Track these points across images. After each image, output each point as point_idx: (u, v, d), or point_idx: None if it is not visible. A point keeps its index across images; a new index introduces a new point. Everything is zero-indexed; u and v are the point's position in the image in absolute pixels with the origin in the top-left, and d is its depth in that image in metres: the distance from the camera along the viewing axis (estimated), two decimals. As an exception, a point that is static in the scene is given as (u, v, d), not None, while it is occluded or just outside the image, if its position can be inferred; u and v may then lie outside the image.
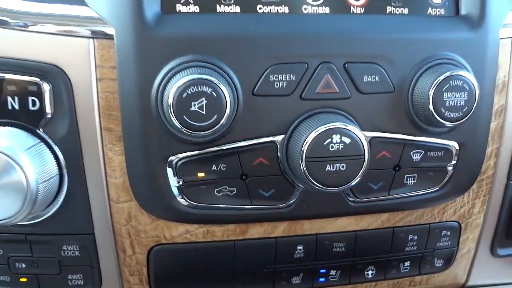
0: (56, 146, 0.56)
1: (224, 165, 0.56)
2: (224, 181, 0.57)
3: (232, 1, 0.56)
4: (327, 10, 0.58)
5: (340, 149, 0.53)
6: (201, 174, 0.56)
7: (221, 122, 0.51)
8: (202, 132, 0.51)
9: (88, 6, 0.54)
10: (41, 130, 0.55)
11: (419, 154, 0.61)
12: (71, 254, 0.60)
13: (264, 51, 0.54)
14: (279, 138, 0.56)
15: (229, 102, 0.51)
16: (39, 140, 0.55)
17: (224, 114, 0.51)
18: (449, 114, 0.56)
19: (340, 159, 0.53)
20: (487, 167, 0.67)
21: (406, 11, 0.60)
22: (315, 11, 0.58)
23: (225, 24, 0.54)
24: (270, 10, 0.57)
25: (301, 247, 0.64)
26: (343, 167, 0.54)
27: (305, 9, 0.58)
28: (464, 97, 0.56)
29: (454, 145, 0.62)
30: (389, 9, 0.60)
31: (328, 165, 0.53)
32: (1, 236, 0.59)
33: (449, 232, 0.69)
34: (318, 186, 0.54)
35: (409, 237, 0.68)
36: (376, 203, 0.62)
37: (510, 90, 0.64)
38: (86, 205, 0.58)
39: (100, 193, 0.58)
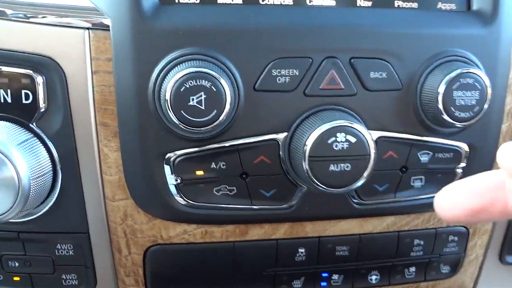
0: (50, 141, 0.54)
1: (224, 163, 0.54)
2: (224, 179, 0.55)
3: (234, -8, 0.54)
4: (332, 2, 0.56)
5: (345, 148, 0.51)
6: (199, 172, 0.54)
7: (221, 118, 0.49)
8: (201, 128, 0.49)
9: (84, -5, 0.52)
10: (34, 124, 0.54)
11: (427, 155, 0.59)
12: (65, 253, 0.59)
13: (266, 44, 0.52)
14: (281, 135, 0.54)
15: (229, 97, 0.49)
16: (32, 135, 0.53)
17: (224, 110, 0.49)
18: (459, 114, 0.54)
19: (344, 158, 0.51)
20: (498, 170, 0.64)
21: (415, 5, 0.58)
22: (320, 4, 0.56)
23: (226, 16, 0.52)
24: (274, 1, 0.55)
25: (302, 250, 0.62)
26: (347, 167, 0.51)
27: (310, 1, 0.56)
28: (475, 96, 0.54)
29: (463, 146, 0.59)
30: (398, 2, 0.58)
31: (332, 165, 0.51)
32: (-7, 234, 0.58)
33: (456, 238, 0.67)
34: (321, 187, 0.51)
35: (415, 242, 0.65)
36: (382, 206, 0.60)
37: (523, 90, 0.61)
38: (81, 203, 0.56)
39: (95, 191, 0.56)
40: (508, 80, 0.59)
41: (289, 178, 0.56)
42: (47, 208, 0.56)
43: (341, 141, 0.51)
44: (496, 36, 0.57)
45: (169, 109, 0.48)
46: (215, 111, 0.49)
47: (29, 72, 0.52)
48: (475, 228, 0.68)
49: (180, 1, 0.53)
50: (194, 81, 0.48)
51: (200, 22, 0.51)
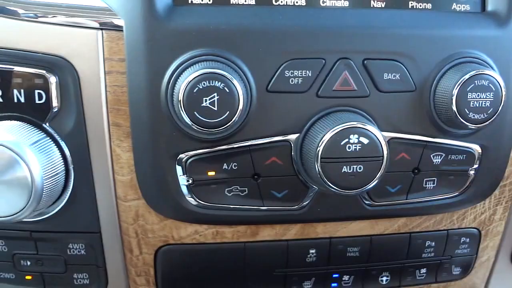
0: (63, 141, 0.54)
1: (236, 164, 0.54)
2: (235, 180, 0.55)
3: (247, -7, 0.54)
4: (346, 3, 0.56)
5: (357, 149, 0.50)
6: (211, 173, 0.54)
7: (234, 119, 0.49)
8: (214, 129, 0.49)
9: (97, -4, 0.52)
10: (47, 124, 0.54)
11: (439, 156, 0.58)
12: (77, 253, 0.59)
13: (279, 45, 0.51)
14: (293, 137, 0.54)
15: (242, 98, 0.49)
16: (45, 135, 0.53)
17: (237, 111, 0.49)
18: (473, 116, 0.54)
19: (357, 160, 0.51)
20: (511, 172, 0.64)
21: (429, 6, 0.57)
22: (333, 4, 0.55)
23: (239, 16, 0.52)
24: (287, 2, 0.54)
25: (313, 251, 0.62)
26: (360, 168, 0.51)
27: (323, 2, 0.55)
28: (489, 97, 0.53)
29: (476, 148, 0.59)
30: (412, 3, 0.57)
31: (344, 167, 0.51)
32: (6, 233, 0.58)
33: (468, 239, 0.66)
34: (334, 188, 0.51)
35: (427, 243, 0.65)
36: (393, 207, 0.59)
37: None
38: (93, 202, 0.56)
39: (107, 191, 0.56)
40: (523, 81, 0.59)
41: (300, 179, 0.55)
42: (59, 207, 0.56)
43: (354, 143, 0.50)
44: (511, 37, 0.56)
45: (182, 110, 0.48)
46: (227, 112, 0.48)
47: (42, 72, 0.52)
48: (487, 230, 0.67)
49: (194, 2, 0.53)
50: (207, 82, 0.48)
51: (213, 22, 0.51)
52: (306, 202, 0.57)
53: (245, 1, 0.54)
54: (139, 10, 0.50)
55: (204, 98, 0.48)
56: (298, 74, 0.52)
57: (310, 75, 0.52)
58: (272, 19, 0.52)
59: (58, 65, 0.52)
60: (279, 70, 0.52)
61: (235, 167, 0.54)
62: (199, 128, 0.49)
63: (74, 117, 0.53)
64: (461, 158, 0.59)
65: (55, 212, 0.56)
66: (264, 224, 0.59)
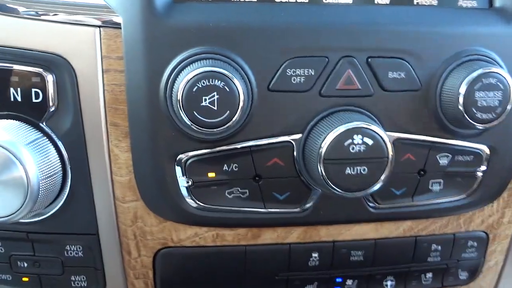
0: (60, 141, 0.53)
1: (236, 165, 0.53)
2: (236, 182, 0.53)
3: (248, -11, 0.52)
4: (349, 0, 0.54)
5: (361, 150, 0.49)
6: (211, 174, 0.53)
7: (234, 119, 0.48)
8: (213, 129, 0.48)
9: (95, -8, 0.51)
10: (44, 123, 0.53)
11: (446, 158, 0.57)
12: (74, 255, 0.58)
13: (281, 43, 0.50)
14: (295, 137, 0.52)
15: (243, 98, 0.47)
16: (41, 134, 0.53)
17: (237, 111, 0.47)
18: (481, 115, 0.52)
19: (361, 161, 0.49)
20: (520, 173, 0.62)
21: (435, 2, 0.56)
22: (336, 1, 0.54)
23: (239, 13, 0.51)
24: (289, -1, 0.53)
25: (316, 255, 0.60)
26: (364, 170, 0.49)
27: (326, -2, 0.54)
28: (497, 96, 0.52)
29: (484, 149, 0.57)
30: (417, 0, 0.56)
31: (348, 168, 0.49)
32: (2, 234, 0.57)
33: (475, 243, 0.65)
34: (337, 190, 0.50)
35: (433, 247, 0.63)
36: (398, 210, 0.58)
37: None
38: (90, 204, 0.55)
39: (105, 192, 0.55)
40: (533, 80, 0.57)
41: (303, 181, 0.54)
42: (56, 208, 0.55)
43: (358, 143, 0.49)
44: (520, 35, 0.55)
45: (180, 109, 0.47)
46: (228, 112, 0.47)
47: (40, 70, 0.51)
48: (495, 233, 0.65)
49: (193, -2, 0.52)
50: (206, 80, 0.46)
51: (214, 20, 0.50)
52: (309, 205, 0.55)
53: (246, -2, 0.53)
54: (138, 7, 0.49)
55: (204, 98, 0.47)
56: (300, 72, 0.51)
57: (312, 73, 0.51)
58: (274, 16, 0.51)
59: (55, 63, 0.51)
60: (281, 69, 0.50)
61: (235, 168, 0.53)
62: (198, 128, 0.48)
63: (71, 116, 0.52)
64: (469, 159, 0.57)
65: (52, 213, 0.55)
66: (265, 227, 0.58)
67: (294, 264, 0.60)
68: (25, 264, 0.58)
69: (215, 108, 0.47)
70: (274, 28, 0.50)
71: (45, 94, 0.52)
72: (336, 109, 0.52)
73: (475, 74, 0.51)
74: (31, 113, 0.52)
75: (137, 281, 0.60)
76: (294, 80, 0.51)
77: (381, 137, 0.49)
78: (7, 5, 0.51)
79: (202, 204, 0.54)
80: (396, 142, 0.54)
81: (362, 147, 0.49)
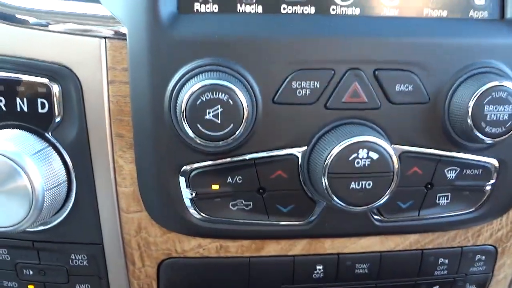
0: (65, 151, 0.53)
1: (240, 178, 0.52)
2: (240, 194, 0.53)
3: (254, 0, 0.52)
4: (357, 11, 0.54)
5: (366, 165, 0.48)
6: (215, 187, 0.53)
7: (238, 132, 0.47)
8: (217, 142, 0.47)
9: (100, 3, 0.51)
10: (49, 134, 0.53)
11: (454, 171, 0.56)
12: (79, 264, 0.58)
13: (286, 55, 0.50)
14: (300, 150, 0.52)
15: (247, 111, 0.47)
16: (47, 144, 0.53)
17: (241, 124, 0.47)
18: (490, 129, 0.51)
19: (366, 176, 0.49)
20: (530, 187, 0.61)
21: (445, 13, 0.55)
22: (344, 12, 0.53)
23: (245, 25, 0.50)
24: (295, 10, 0.53)
25: (320, 267, 0.59)
26: (369, 184, 0.49)
27: (333, 9, 0.53)
28: (508, 110, 0.51)
29: (493, 162, 0.56)
30: (426, 11, 0.55)
31: (353, 182, 0.49)
32: (9, 242, 0.57)
33: (484, 257, 0.64)
34: (341, 205, 0.49)
35: (440, 261, 0.62)
36: (405, 224, 0.57)
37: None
38: (95, 214, 0.55)
39: (110, 202, 0.55)
40: (544, 93, 0.56)
41: (307, 194, 0.54)
42: (61, 218, 0.55)
43: (363, 158, 0.48)
44: (532, 47, 0.53)
45: (184, 122, 0.47)
46: (231, 125, 0.47)
47: (45, 81, 0.52)
48: (504, 247, 0.64)
49: (199, 10, 0.51)
50: (210, 93, 0.46)
51: (219, 31, 0.49)
52: (313, 218, 0.55)
53: (252, 9, 0.52)
54: (143, 18, 0.49)
55: (208, 111, 0.46)
56: (306, 85, 0.50)
57: (318, 86, 0.50)
58: (279, 28, 0.50)
59: (61, 74, 0.51)
60: (286, 81, 0.50)
61: (239, 180, 0.52)
62: (202, 141, 0.47)
63: (76, 126, 0.53)
64: (477, 173, 0.56)
65: (57, 223, 0.56)
66: (269, 239, 0.57)
67: (298, 276, 0.60)
68: (31, 272, 0.59)
69: (219, 122, 0.47)
70: (279, 40, 0.50)
71: (51, 104, 0.52)
72: (342, 122, 0.52)
73: (485, 87, 0.50)
74: (37, 123, 0.52)
75: (141, 290, 0.60)
76: (299, 92, 0.50)
77: (387, 151, 0.49)
78: (14, 15, 0.52)
79: (206, 216, 0.54)
80: (403, 155, 0.53)
81: (367, 162, 0.48)
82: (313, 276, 0.60)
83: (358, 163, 0.48)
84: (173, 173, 0.52)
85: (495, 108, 0.51)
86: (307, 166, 0.52)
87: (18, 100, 0.52)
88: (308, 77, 0.50)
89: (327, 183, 0.49)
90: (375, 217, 0.56)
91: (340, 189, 0.49)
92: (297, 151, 0.52)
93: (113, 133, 0.53)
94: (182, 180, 0.52)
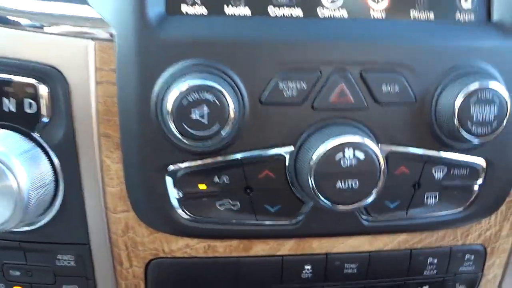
0: (52, 151, 0.53)
1: (228, 177, 0.52)
2: (227, 194, 0.53)
3: (242, 3, 0.52)
4: (345, 13, 0.54)
5: (353, 165, 0.48)
6: (202, 186, 0.53)
7: (223, 133, 0.47)
8: (203, 142, 0.48)
9: (89, 5, 0.51)
10: (37, 134, 0.53)
11: (441, 171, 0.56)
12: (66, 264, 0.58)
13: (273, 56, 0.50)
14: (287, 150, 0.52)
15: (233, 111, 0.47)
16: (34, 144, 0.53)
17: (227, 124, 0.47)
18: (477, 129, 0.51)
19: (352, 175, 0.49)
20: (518, 187, 0.61)
21: (431, 15, 0.55)
22: (331, 15, 0.54)
23: (232, 27, 0.50)
24: (283, 13, 0.53)
25: (309, 267, 0.60)
26: (355, 184, 0.49)
27: (322, 14, 0.53)
28: (494, 111, 0.51)
29: (481, 162, 0.57)
30: (413, 13, 0.55)
31: (339, 182, 0.49)
32: (-5, 242, 0.57)
33: (473, 256, 0.64)
34: (328, 204, 0.49)
35: (429, 260, 0.62)
36: (393, 223, 0.57)
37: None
38: (82, 214, 0.55)
39: (97, 202, 0.55)
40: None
41: (295, 193, 0.54)
42: (48, 218, 0.55)
43: (349, 158, 0.48)
44: (517, 48, 0.54)
45: (170, 122, 0.47)
46: (218, 125, 0.47)
47: (33, 81, 0.52)
48: (493, 247, 0.64)
49: (187, 12, 0.52)
50: (197, 94, 0.46)
51: (206, 33, 0.49)
52: (301, 217, 0.55)
53: (240, 11, 0.52)
54: (131, 19, 0.49)
55: (194, 111, 0.46)
56: (292, 86, 0.50)
57: (305, 87, 0.51)
58: (267, 30, 0.51)
59: (49, 74, 0.51)
60: (272, 82, 0.50)
61: (227, 180, 0.53)
62: (188, 141, 0.48)
63: (64, 127, 0.52)
64: (465, 172, 0.57)
65: (44, 223, 0.55)
66: (257, 239, 0.57)
67: (287, 276, 0.60)
68: (18, 273, 0.58)
69: (205, 122, 0.47)
70: (266, 42, 0.50)
71: (38, 105, 0.52)
72: (329, 122, 0.52)
73: (471, 87, 0.50)
74: (24, 123, 0.52)
75: (129, 291, 0.60)
76: (286, 93, 0.50)
77: (373, 151, 0.49)
78: (5, 17, 0.51)
79: (193, 216, 0.54)
80: (390, 155, 0.54)
81: (354, 161, 0.48)
82: (302, 276, 0.60)
83: (344, 162, 0.48)
84: (160, 173, 0.52)
85: (482, 109, 0.51)
86: (294, 166, 0.52)
87: (5, 100, 0.52)
88: (295, 78, 0.50)
89: (313, 183, 0.49)
90: (363, 216, 0.56)
91: (326, 188, 0.49)
92: (284, 151, 0.52)
93: (100, 133, 0.53)
94: (169, 180, 0.52)
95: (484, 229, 0.63)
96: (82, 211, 0.55)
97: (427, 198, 0.57)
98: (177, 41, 0.49)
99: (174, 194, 0.53)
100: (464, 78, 0.52)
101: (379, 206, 0.56)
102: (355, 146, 0.48)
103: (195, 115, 0.46)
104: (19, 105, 0.52)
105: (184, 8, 0.52)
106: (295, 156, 0.52)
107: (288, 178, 0.53)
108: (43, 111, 0.52)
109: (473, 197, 0.58)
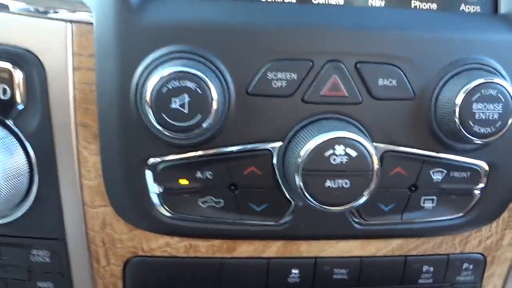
0: (27, 141, 0.50)
1: (211, 173, 0.49)
2: (210, 191, 0.50)
3: (230, -14, 0.49)
4: (341, 0, 0.51)
5: (344, 162, 0.45)
6: (183, 181, 0.50)
7: (206, 124, 0.44)
8: (184, 134, 0.45)
9: (67, -15, 0.48)
10: (11, 121, 0.50)
11: (440, 173, 0.53)
12: (41, 260, 0.55)
13: (262, 44, 0.47)
14: (275, 145, 0.49)
15: (216, 101, 0.44)
16: (8, 132, 0.50)
17: (209, 115, 0.44)
18: (479, 129, 0.48)
19: (343, 174, 0.45)
20: (522, 193, 0.57)
21: (434, 6, 0.52)
22: (326, 1, 0.50)
23: (218, 12, 0.47)
24: (274, -3, 0.50)
25: (296, 271, 0.56)
26: (346, 184, 0.46)
27: (315, -2, 0.50)
28: (498, 109, 0.47)
29: (483, 165, 0.53)
30: (415, 2, 0.52)
31: (328, 181, 0.45)
32: (-31, 236, 0.54)
33: (471, 266, 0.60)
34: (316, 204, 0.46)
35: (424, 268, 0.59)
36: (386, 228, 0.54)
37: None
38: (58, 207, 0.52)
39: (73, 196, 0.52)
40: (538, 93, 0.53)
41: (282, 192, 0.50)
42: (22, 211, 0.52)
43: (340, 155, 0.45)
44: (525, 43, 0.50)
45: (149, 111, 0.44)
46: (199, 115, 0.44)
47: (8, 65, 0.49)
48: (494, 256, 0.61)
49: (170, -6, 0.49)
50: (177, 81, 0.43)
51: (190, 18, 0.47)
52: (288, 218, 0.52)
53: (228, -6, 0.49)
54: (111, 2, 0.46)
55: (174, 99, 0.43)
56: (282, 76, 0.47)
57: (295, 78, 0.47)
58: (256, 15, 0.48)
59: (24, 58, 0.49)
60: (261, 72, 0.47)
61: (210, 176, 0.49)
62: (167, 132, 0.44)
63: (39, 115, 0.50)
64: (465, 176, 0.53)
65: (18, 216, 0.53)
66: (241, 239, 0.54)
67: (272, 280, 0.56)
68: None
69: (186, 111, 0.44)
70: (255, 28, 0.47)
71: (13, 90, 0.49)
72: (320, 117, 0.48)
73: (473, 83, 0.47)
74: (-3, 110, 0.50)
75: (107, 290, 0.57)
76: (275, 84, 0.47)
77: (366, 148, 0.45)
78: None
79: (174, 213, 0.51)
80: (385, 155, 0.50)
81: (345, 159, 0.45)
82: (289, 280, 0.56)
83: (334, 160, 0.45)
84: (140, 166, 0.49)
85: (485, 107, 0.47)
86: (282, 162, 0.49)
87: (-22, 85, 0.49)
88: (284, 68, 0.47)
89: (301, 181, 0.45)
90: (355, 219, 0.53)
91: (315, 187, 0.45)
92: (272, 147, 0.49)
93: (77, 123, 0.50)
94: (148, 174, 0.49)
95: (485, 237, 0.59)
96: (57, 205, 0.52)
97: (424, 201, 0.54)
98: (160, 26, 0.46)
99: (154, 189, 0.50)
100: (467, 73, 0.49)
101: (372, 209, 0.52)
102: (346, 142, 0.45)
103: (175, 104, 0.43)
104: (-7, 90, 0.49)
105: (169, -9, 0.49)
106: (283, 152, 0.49)
107: (275, 175, 0.50)
108: (18, 97, 0.50)
109: (474, 202, 0.55)
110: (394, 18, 0.50)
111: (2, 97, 0.50)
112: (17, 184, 0.50)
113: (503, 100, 0.47)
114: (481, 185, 0.54)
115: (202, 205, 0.51)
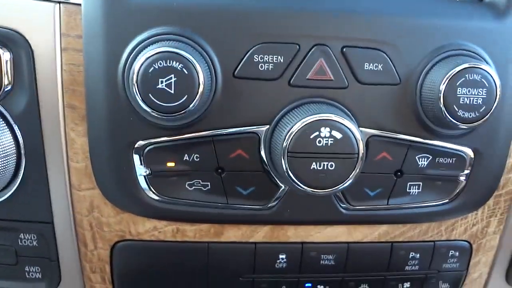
0: (14, 122, 0.50)
1: (198, 156, 0.50)
2: (197, 173, 0.50)
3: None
4: (328, -14, 0.51)
5: (329, 144, 0.46)
6: (170, 164, 0.50)
7: (192, 105, 0.44)
8: (170, 115, 0.45)
9: (56, -34, 0.48)
10: (-2, 103, 0.50)
11: (425, 159, 0.53)
12: (29, 244, 0.55)
13: (249, 27, 0.47)
14: (262, 128, 0.49)
15: (203, 82, 0.44)
16: (-6, 114, 0.50)
17: (196, 95, 0.44)
18: (463, 114, 0.48)
19: (328, 156, 0.46)
20: (507, 180, 0.58)
21: (420, -8, 0.53)
22: (313, -14, 0.51)
23: (206, -6, 0.48)
24: (262, -19, 0.50)
25: (283, 256, 0.56)
26: (332, 166, 0.46)
27: (302, -17, 0.51)
28: (482, 94, 0.48)
29: (468, 152, 0.54)
30: (402, -11, 0.52)
31: (314, 163, 0.46)
32: (-44, 219, 0.54)
33: (457, 253, 0.61)
34: (301, 187, 0.46)
35: (410, 255, 0.59)
36: (373, 213, 0.54)
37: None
38: (45, 190, 0.52)
39: (61, 178, 0.52)
40: (521, 79, 0.53)
41: (269, 176, 0.51)
42: (9, 194, 0.52)
43: (325, 137, 0.45)
44: (509, 30, 0.51)
45: (136, 91, 0.44)
46: (185, 96, 0.44)
47: (-5, 46, 0.49)
48: (480, 244, 0.61)
49: (158, -23, 0.49)
50: (163, 62, 0.43)
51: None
52: (275, 202, 0.52)
53: (216, -22, 0.50)
54: None
55: (160, 80, 0.44)
56: (268, 59, 0.48)
57: (282, 61, 0.48)
58: None
59: (12, 39, 0.49)
60: (247, 54, 0.47)
61: (197, 158, 0.50)
62: (154, 113, 0.45)
63: (27, 96, 0.50)
64: (450, 161, 0.54)
65: (4, 199, 0.52)
66: (228, 224, 0.54)
67: (260, 265, 0.57)
68: None
69: (172, 92, 0.44)
70: (242, 11, 0.47)
71: (0, 71, 0.49)
72: (306, 101, 0.49)
73: (458, 68, 0.48)
74: (-16, 91, 0.50)
75: (94, 275, 0.57)
76: (261, 67, 0.48)
77: (351, 131, 0.46)
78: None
79: (162, 196, 0.51)
80: (371, 139, 0.51)
81: (330, 141, 0.46)
82: (276, 265, 0.57)
83: (320, 142, 0.45)
84: (127, 149, 0.49)
85: (469, 91, 0.48)
86: (269, 145, 0.49)
87: (-35, 65, 0.49)
88: (271, 51, 0.47)
89: (287, 164, 0.46)
90: (341, 204, 0.53)
91: (300, 169, 0.46)
92: (259, 130, 0.49)
93: (65, 104, 0.50)
94: (136, 156, 0.49)
95: (470, 224, 0.60)
96: (45, 187, 0.52)
97: (410, 187, 0.54)
98: (148, 7, 0.46)
99: (141, 171, 0.50)
100: (452, 59, 0.49)
101: (359, 194, 0.53)
102: (331, 124, 0.45)
103: (161, 84, 0.44)
104: (-20, 71, 0.49)
105: (158, -26, 0.49)
106: (270, 135, 0.49)
107: (262, 159, 0.50)
108: (5, 78, 0.49)
109: (459, 188, 0.56)
110: (381, 3, 0.50)
111: (-11, 78, 0.50)
112: (3, 164, 0.50)
113: (487, 85, 0.48)
114: (466, 172, 0.54)
115: (189, 188, 0.51)
